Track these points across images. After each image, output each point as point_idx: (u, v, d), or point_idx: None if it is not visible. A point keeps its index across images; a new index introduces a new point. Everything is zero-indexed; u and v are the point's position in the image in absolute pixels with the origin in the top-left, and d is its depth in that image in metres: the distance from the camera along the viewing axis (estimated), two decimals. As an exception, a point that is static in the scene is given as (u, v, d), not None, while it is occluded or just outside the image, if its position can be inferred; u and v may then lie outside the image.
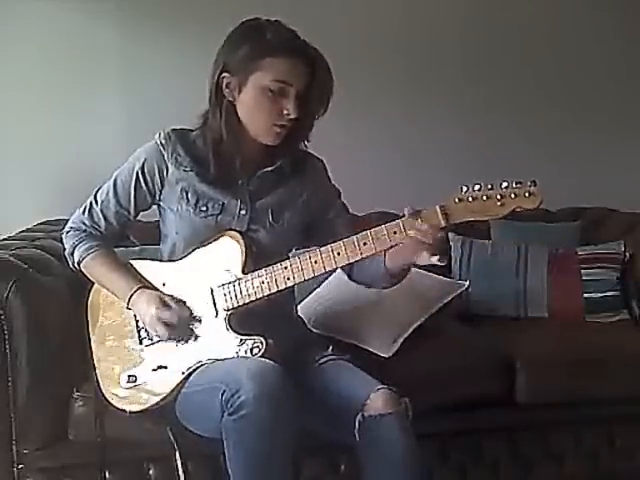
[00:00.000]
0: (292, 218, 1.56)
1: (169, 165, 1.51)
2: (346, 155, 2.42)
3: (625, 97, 3.05)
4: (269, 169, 1.52)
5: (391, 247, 1.38)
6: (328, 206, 1.62)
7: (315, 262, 1.40)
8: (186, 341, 1.49)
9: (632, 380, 1.98)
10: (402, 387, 1.45)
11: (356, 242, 1.38)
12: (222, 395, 1.31)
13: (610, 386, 1.98)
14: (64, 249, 1.60)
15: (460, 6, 2.88)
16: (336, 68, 1.47)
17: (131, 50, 2.66)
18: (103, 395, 1.56)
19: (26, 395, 1.66)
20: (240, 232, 1.50)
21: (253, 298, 1.44)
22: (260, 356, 1.39)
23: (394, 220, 1.36)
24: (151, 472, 1.77)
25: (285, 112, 1.44)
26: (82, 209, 1.59)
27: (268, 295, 1.44)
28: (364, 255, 1.38)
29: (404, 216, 1.35)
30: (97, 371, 1.58)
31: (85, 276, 1.59)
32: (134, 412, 1.51)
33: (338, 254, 1.39)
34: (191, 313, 1.49)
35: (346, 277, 1.64)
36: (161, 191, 1.54)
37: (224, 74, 1.45)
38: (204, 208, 1.51)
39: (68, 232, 1.60)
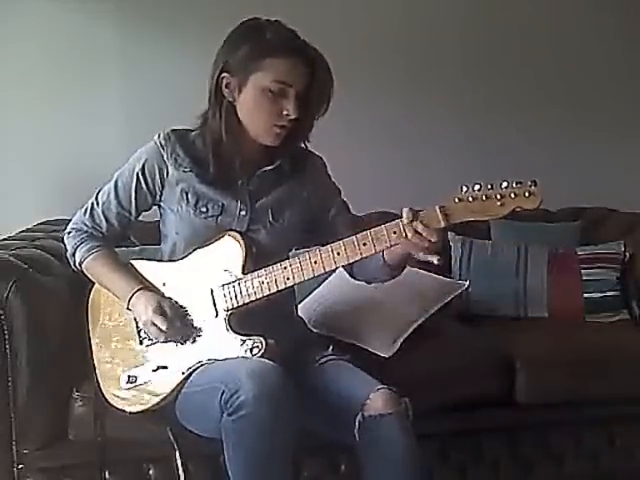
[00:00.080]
0: (292, 217, 1.56)
1: (169, 166, 1.51)
2: (346, 155, 2.41)
3: (625, 97, 3.05)
4: (269, 168, 1.52)
5: (391, 247, 1.38)
6: (328, 204, 1.62)
7: (315, 262, 1.40)
8: (186, 341, 1.49)
9: (632, 380, 1.98)
10: (402, 387, 1.45)
11: (356, 242, 1.38)
12: (222, 395, 1.31)
13: (610, 386, 1.97)
14: (66, 250, 1.60)
15: (460, 6, 2.88)
16: (336, 68, 1.47)
17: (131, 50, 2.66)
18: (103, 395, 1.56)
19: (26, 395, 1.66)
20: (240, 232, 1.50)
21: (253, 298, 1.44)
22: (260, 356, 1.39)
23: (394, 220, 1.36)
24: (151, 472, 1.77)
25: (285, 112, 1.44)
26: (83, 210, 1.60)
27: (268, 295, 1.44)
28: (364, 255, 1.38)
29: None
30: (97, 371, 1.59)
31: (87, 277, 1.59)
32: (134, 412, 1.51)
33: (338, 254, 1.39)
34: (189, 316, 1.50)
35: (346, 277, 1.64)
36: (161, 192, 1.54)
37: (224, 74, 1.45)
38: (204, 209, 1.51)
39: (69, 233, 1.60)
